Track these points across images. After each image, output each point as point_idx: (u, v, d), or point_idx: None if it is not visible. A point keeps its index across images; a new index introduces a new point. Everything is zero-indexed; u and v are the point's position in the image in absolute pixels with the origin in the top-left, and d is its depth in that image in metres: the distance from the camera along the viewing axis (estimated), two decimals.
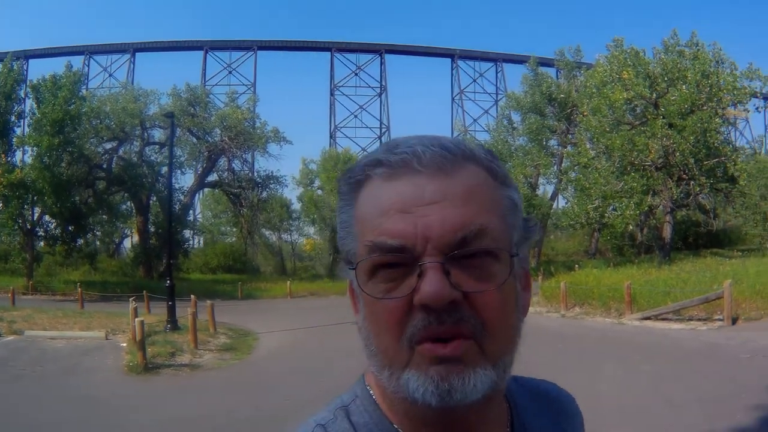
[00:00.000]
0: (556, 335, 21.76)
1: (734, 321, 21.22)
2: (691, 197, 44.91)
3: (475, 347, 1.13)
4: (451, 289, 1.10)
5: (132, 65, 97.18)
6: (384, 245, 1.14)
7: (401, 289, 1.13)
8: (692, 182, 42.91)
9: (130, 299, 28.20)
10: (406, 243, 1.13)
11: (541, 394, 1.54)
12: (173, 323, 25.57)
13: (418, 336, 1.12)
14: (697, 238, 63.42)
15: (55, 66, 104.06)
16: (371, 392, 1.33)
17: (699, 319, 22.88)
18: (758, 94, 45.94)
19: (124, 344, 21.42)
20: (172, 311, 25.93)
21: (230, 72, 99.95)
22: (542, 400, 1.52)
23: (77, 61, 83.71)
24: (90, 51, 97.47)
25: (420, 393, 1.12)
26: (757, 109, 52.08)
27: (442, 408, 1.12)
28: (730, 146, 46.78)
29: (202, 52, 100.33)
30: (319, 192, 76.63)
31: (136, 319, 19.02)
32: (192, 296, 29.90)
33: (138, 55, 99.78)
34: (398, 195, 1.17)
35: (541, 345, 18.78)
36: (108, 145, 59.97)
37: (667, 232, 45.13)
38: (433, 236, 1.12)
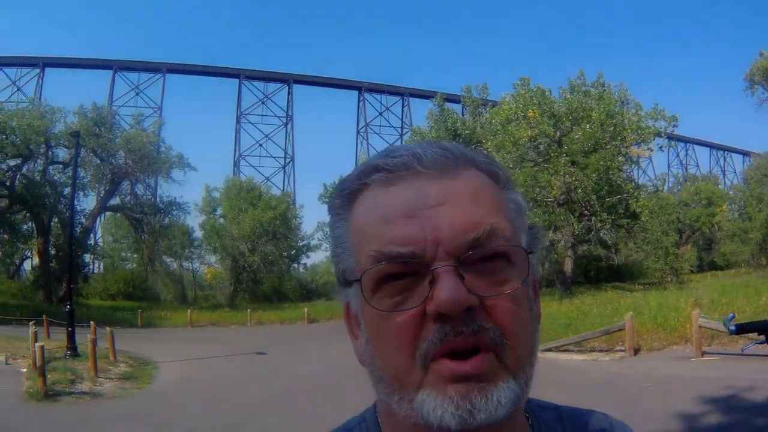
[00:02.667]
0: None
1: (636, 351, 21.48)
2: (592, 233, 45.67)
3: (495, 360, 1.05)
4: (468, 294, 1.02)
5: (41, 80, 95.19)
6: (392, 253, 1.06)
7: (412, 301, 1.05)
8: (594, 218, 43.62)
9: (30, 324, 27.47)
10: (415, 249, 1.05)
11: (579, 424, 1.37)
12: (73, 350, 24.94)
13: (434, 351, 1.03)
14: (598, 273, 64.25)
15: None
16: (378, 418, 1.26)
17: (601, 350, 23.15)
18: (662, 134, 46.91)
19: (24, 370, 20.82)
20: (72, 337, 25.30)
21: (137, 94, 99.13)
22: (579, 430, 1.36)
23: None
24: None
25: (438, 416, 1.03)
26: (660, 148, 53.19)
27: (459, 431, 1.03)
28: (633, 183, 47.80)
29: (111, 72, 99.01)
30: (222, 220, 76.16)
31: (36, 345, 18.57)
32: (92, 322, 29.32)
33: (47, 70, 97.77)
34: (401, 199, 1.10)
35: None
36: (12, 162, 57.93)
37: (568, 266, 45.87)
38: (444, 239, 1.05)
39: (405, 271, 1.05)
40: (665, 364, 18.83)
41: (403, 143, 1.29)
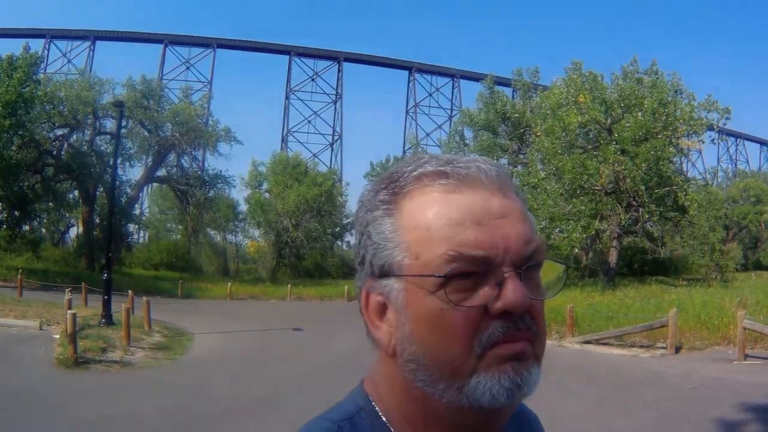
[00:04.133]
0: None
1: (678, 350, 21.17)
2: (639, 224, 45.23)
3: (531, 349, 1.19)
4: (529, 298, 1.16)
5: (92, 53, 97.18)
6: (469, 255, 1.15)
7: (477, 298, 1.16)
8: (641, 209, 43.19)
9: (66, 290, 27.58)
10: (489, 253, 1.16)
11: (515, 412, 1.42)
12: (108, 318, 24.98)
13: (494, 340, 1.15)
14: (642, 265, 63.84)
15: (15, 47, 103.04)
16: (375, 406, 1.31)
17: (641, 346, 22.85)
18: (715, 126, 46.29)
19: (57, 336, 20.88)
20: (107, 305, 25.40)
21: (188, 68, 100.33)
22: (515, 419, 1.45)
23: (37, 44, 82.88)
24: (51, 35, 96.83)
25: (492, 392, 1.14)
26: (712, 140, 52.64)
27: (494, 410, 1.17)
28: (682, 176, 47.23)
29: (161, 46, 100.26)
30: (267, 195, 76.20)
31: (68, 312, 18.58)
32: (129, 292, 29.41)
33: (98, 43, 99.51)
34: (470, 206, 1.19)
35: None
36: (59, 132, 59.19)
37: (612, 257, 45.43)
38: (512, 248, 1.17)
39: (473, 271, 1.16)
40: (707, 365, 18.48)
41: (456, 154, 1.17)
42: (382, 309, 1.26)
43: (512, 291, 1.13)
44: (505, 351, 1.15)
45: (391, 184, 1.27)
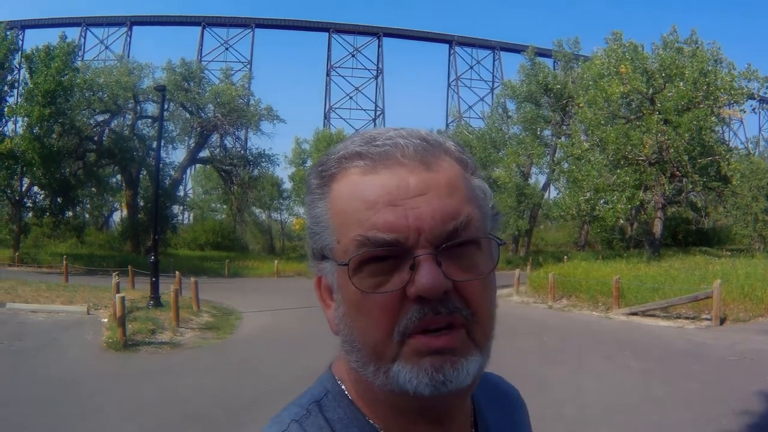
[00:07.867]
0: (542, 326, 21.74)
1: (722, 321, 21.17)
2: (683, 194, 44.83)
3: (465, 336, 1.15)
4: (445, 280, 1.11)
5: (129, 38, 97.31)
6: (377, 239, 1.13)
7: (393, 283, 1.13)
8: (685, 179, 42.78)
9: (114, 274, 27.80)
10: (398, 236, 1.13)
11: (491, 388, 1.56)
12: (156, 300, 25.18)
13: (412, 328, 1.12)
14: (686, 236, 63.41)
15: (52, 37, 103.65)
16: (342, 386, 1.33)
17: (686, 318, 22.79)
18: (755, 96, 45.69)
19: (105, 320, 20.98)
20: (155, 287, 25.61)
21: (227, 49, 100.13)
22: (494, 393, 1.56)
23: (74, 33, 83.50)
24: (87, 22, 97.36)
25: (413, 384, 1.13)
26: (753, 110, 51.87)
27: (431, 397, 1.14)
28: (725, 146, 46.66)
29: (199, 28, 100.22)
30: None
31: (117, 295, 18.69)
32: (177, 272, 29.59)
33: (135, 28, 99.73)
34: (384, 187, 1.16)
35: (526, 335, 18.85)
36: (100, 118, 59.70)
37: (657, 227, 45.02)
38: (426, 228, 1.13)
39: (386, 255, 1.14)
40: (751, 337, 18.47)
41: (384, 128, 1.24)
42: (331, 289, 1.27)
43: (424, 275, 1.10)
44: (423, 346, 1.13)
45: (320, 167, 1.27)
